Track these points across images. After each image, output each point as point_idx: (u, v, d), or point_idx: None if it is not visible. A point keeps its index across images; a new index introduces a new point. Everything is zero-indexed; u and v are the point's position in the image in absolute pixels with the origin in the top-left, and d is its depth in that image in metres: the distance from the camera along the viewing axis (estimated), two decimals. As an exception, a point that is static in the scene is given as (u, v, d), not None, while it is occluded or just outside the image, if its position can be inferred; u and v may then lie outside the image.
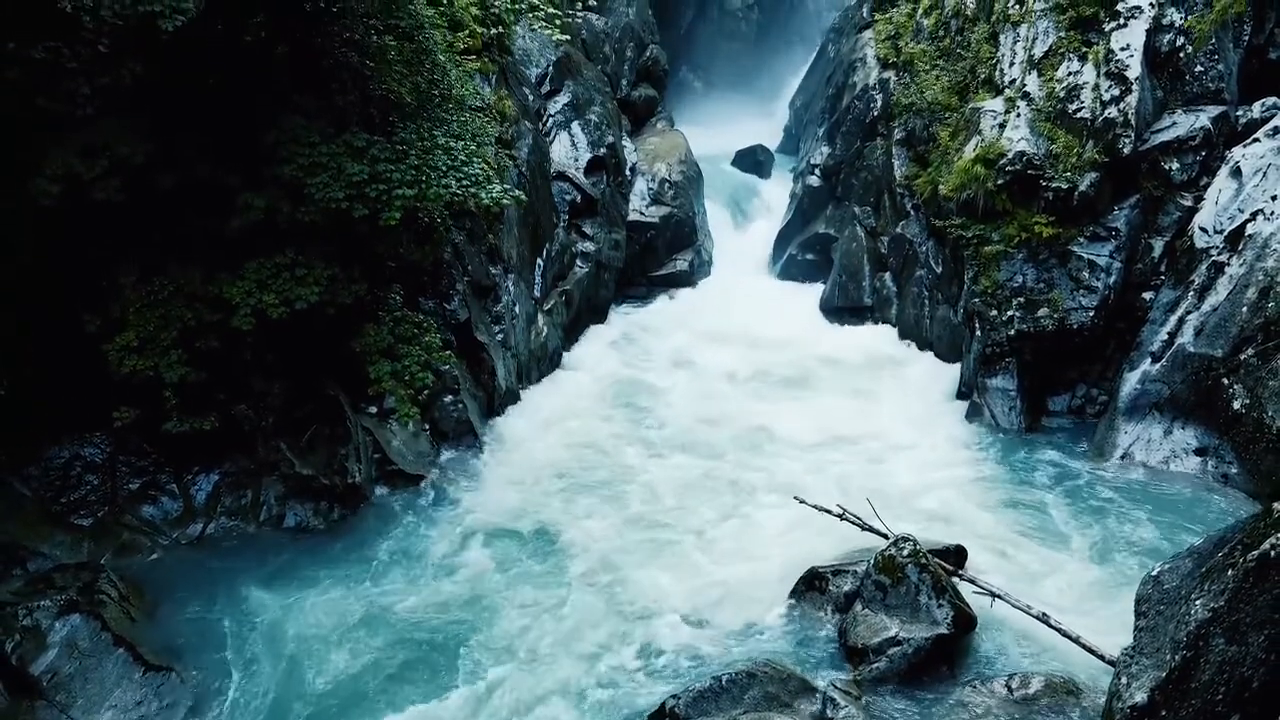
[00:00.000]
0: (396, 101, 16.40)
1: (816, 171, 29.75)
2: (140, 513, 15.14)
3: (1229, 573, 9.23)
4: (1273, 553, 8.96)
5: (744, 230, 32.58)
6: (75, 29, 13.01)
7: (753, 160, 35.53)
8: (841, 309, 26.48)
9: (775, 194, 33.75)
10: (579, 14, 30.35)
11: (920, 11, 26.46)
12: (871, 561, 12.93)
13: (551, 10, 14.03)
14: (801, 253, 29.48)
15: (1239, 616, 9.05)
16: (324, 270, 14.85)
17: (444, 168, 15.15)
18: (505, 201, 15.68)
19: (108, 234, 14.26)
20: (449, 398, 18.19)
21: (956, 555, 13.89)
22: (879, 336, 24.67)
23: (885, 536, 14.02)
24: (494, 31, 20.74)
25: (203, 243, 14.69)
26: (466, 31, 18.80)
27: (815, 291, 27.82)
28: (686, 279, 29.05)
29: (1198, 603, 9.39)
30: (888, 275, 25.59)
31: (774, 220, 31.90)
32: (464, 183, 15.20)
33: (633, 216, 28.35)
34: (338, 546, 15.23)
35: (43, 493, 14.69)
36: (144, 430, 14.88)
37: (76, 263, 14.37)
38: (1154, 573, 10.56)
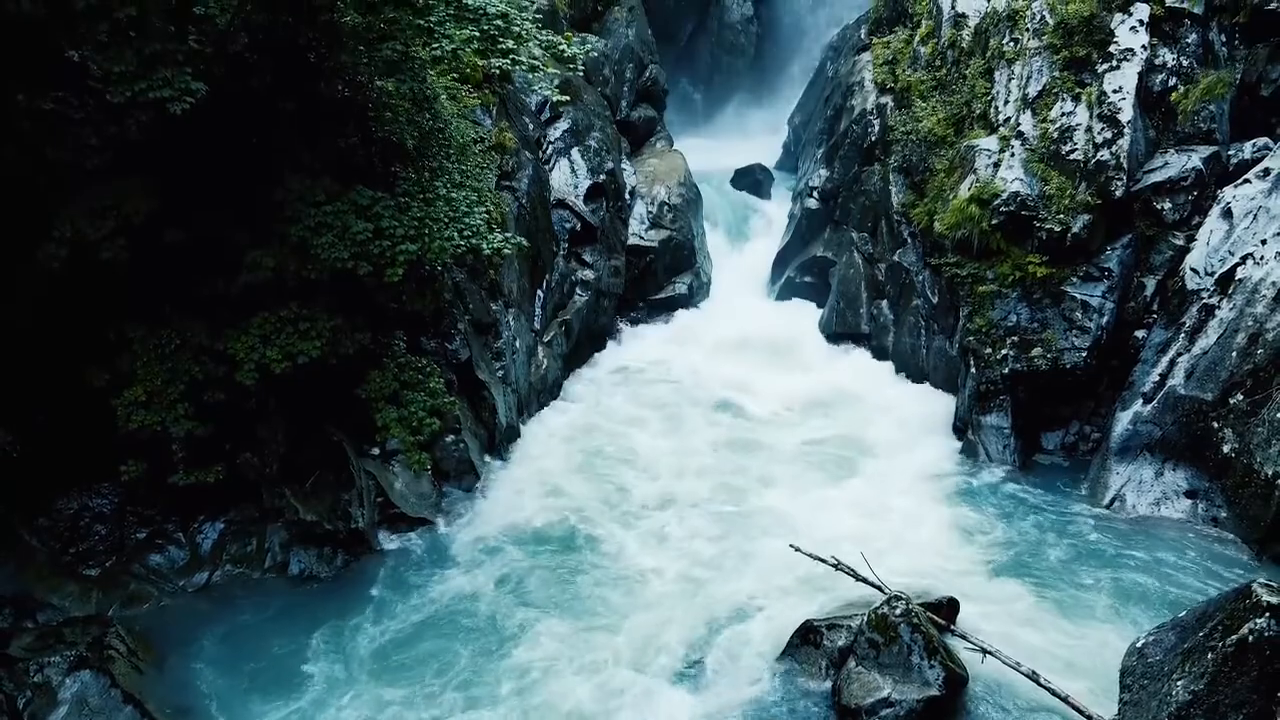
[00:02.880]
0: (398, 143, 16.65)
1: (815, 194, 29.92)
2: (147, 561, 15.44)
3: (1209, 656, 9.54)
4: (1251, 638, 9.28)
5: (743, 250, 32.71)
6: (83, 79, 13.28)
7: (751, 180, 35.68)
8: (839, 335, 26.72)
9: (774, 213, 33.87)
10: (579, 35, 30.70)
11: (917, 39, 26.61)
12: (865, 619, 13.18)
13: (553, 70, 14.21)
14: (800, 275, 29.71)
15: (1219, 698, 9.38)
16: (327, 322, 15.13)
17: (445, 219, 15.43)
18: (507, 251, 15.95)
19: (115, 290, 14.51)
20: (450, 437, 18.34)
21: (948, 608, 14.13)
22: (876, 365, 24.93)
23: (879, 588, 14.28)
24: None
25: (209, 297, 14.96)
26: (470, 79, 19.00)
27: (813, 315, 28.02)
28: (685, 302, 29.24)
29: (1179, 684, 9.70)
30: (885, 303, 25.81)
31: (773, 240, 32.05)
32: (466, 234, 15.49)
33: (632, 241, 28.51)
34: (337, 601, 15.42)
35: (52, 544, 15.03)
36: (151, 481, 15.14)
37: (84, 317, 14.63)
38: (1139, 644, 10.87)
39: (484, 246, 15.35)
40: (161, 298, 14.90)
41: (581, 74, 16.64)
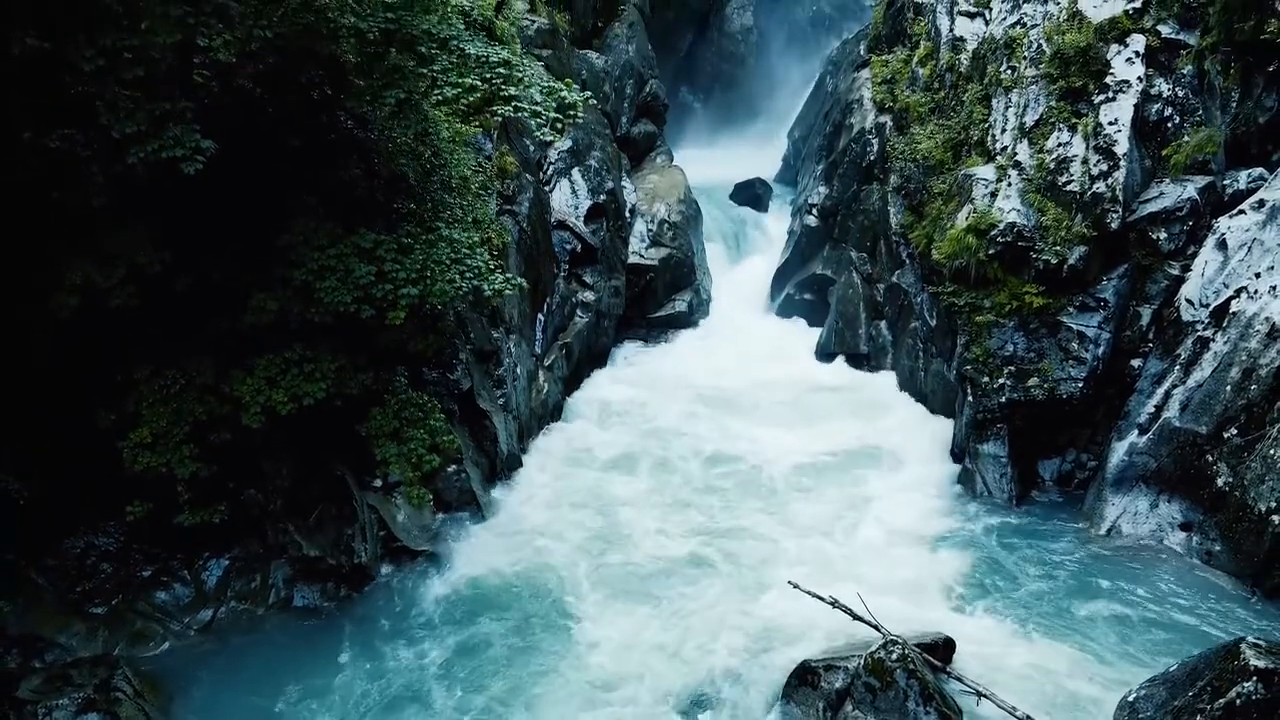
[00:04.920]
0: (400, 176, 16.78)
1: (814, 211, 30.10)
2: (153, 599, 15.58)
3: (1198, 719, 9.71)
4: (1239, 701, 9.47)
5: (742, 265, 32.97)
6: (90, 116, 13.39)
7: (751, 193, 35.90)
8: (837, 355, 26.90)
9: (773, 227, 34.13)
10: (579, 53, 30.86)
11: (916, 60, 26.74)
12: (862, 662, 13.35)
13: (554, 115, 14.38)
14: (799, 292, 29.93)
15: (1207, 761, 9.55)
16: (331, 363, 15.29)
17: (448, 261, 15.55)
18: (508, 292, 16.10)
19: (122, 333, 14.64)
20: (452, 468, 18.48)
21: (944, 648, 14.30)
22: (874, 387, 25.06)
23: (875, 628, 14.46)
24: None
25: (215, 338, 15.12)
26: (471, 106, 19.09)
27: (812, 334, 28.24)
28: (686, 320, 29.46)
29: (1168, 745, 9.88)
30: (883, 324, 26.01)
31: (772, 255, 32.26)
32: (468, 276, 15.61)
33: (632, 259, 28.70)
34: (339, 637, 15.58)
35: (59, 582, 15.15)
36: (156, 520, 15.28)
37: (91, 359, 14.78)
38: (1130, 698, 11.06)
39: (485, 288, 15.50)
40: (166, 338, 15.04)
41: (580, 121, 16.63)
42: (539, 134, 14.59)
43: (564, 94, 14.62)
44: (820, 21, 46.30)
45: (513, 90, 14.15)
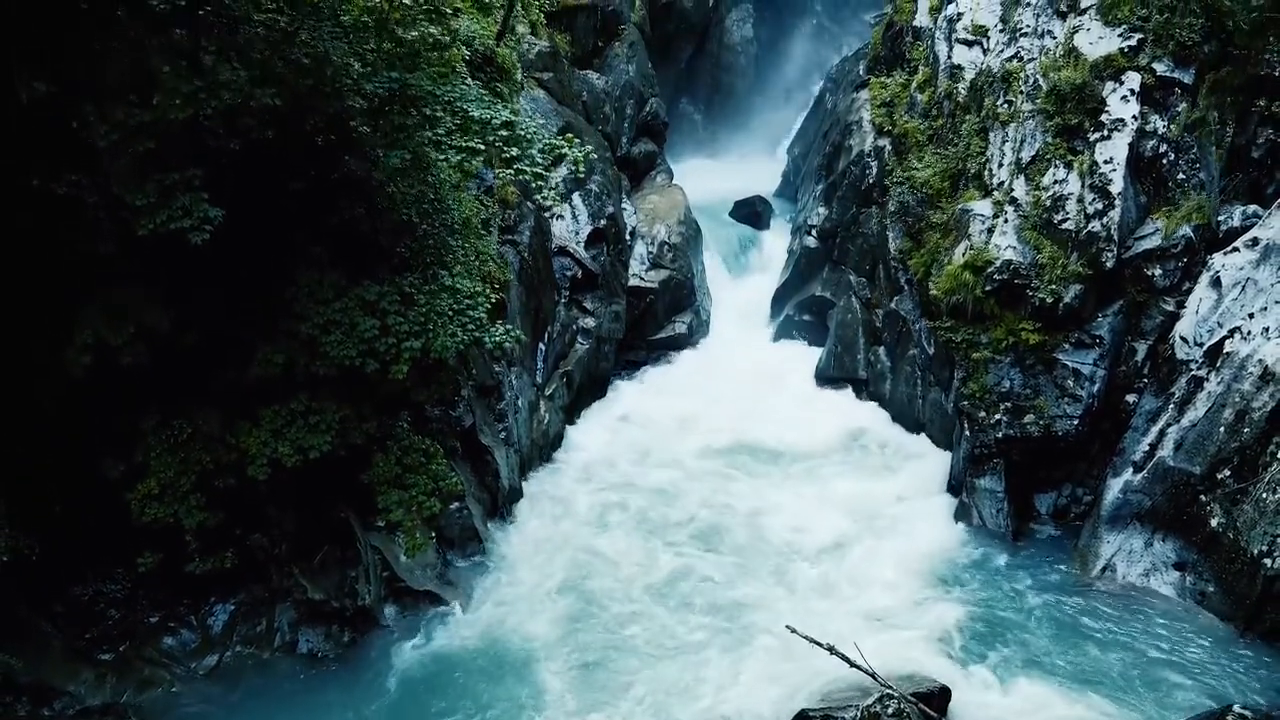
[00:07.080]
0: (404, 220, 16.94)
1: (813, 232, 30.21)
2: (160, 644, 15.79)
3: (1185, 792, 9.95)
4: (1226, 777, 9.68)
5: (742, 285, 32.97)
6: (97, 162, 13.57)
7: (751, 211, 35.96)
8: (836, 379, 27.08)
9: (773, 245, 34.12)
10: (580, 74, 31.00)
11: (914, 85, 26.86)
12: (858, 716, 13.57)
13: (549, 174, 14.58)
14: (799, 313, 30.06)
15: (1194, 835, 9.78)
16: (335, 413, 15.47)
17: (449, 313, 15.73)
18: (508, 344, 16.28)
19: (130, 384, 14.81)
20: (455, 505, 18.64)
21: (940, 697, 14.51)
22: (872, 418, 25.24)
23: (872, 676, 14.66)
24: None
25: (221, 388, 15.31)
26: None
27: (811, 356, 28.33)
28: (685, 341, 29.57)
29: (1156, 818, 10.10)
30: (882, 349, 26.16)
31: (772, 274, 32.33)
32: (469, 328, 15.80)
33: (632, 282, 28.75)
34: (341, 687, 15.77)
35: (67, 629, 15.36)
36: (164, 566, 15.49)
37: (99, 410, 14.96)
38: (1119, 762, 11.25)
39: (486, 340, 15.75)
40: (173, 389, 15.22)
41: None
42: (539, 198, 14.74)
43: (564, 150, 14.80)
44: (820, 35, 46.36)
45: (515, 151, 14.33)
